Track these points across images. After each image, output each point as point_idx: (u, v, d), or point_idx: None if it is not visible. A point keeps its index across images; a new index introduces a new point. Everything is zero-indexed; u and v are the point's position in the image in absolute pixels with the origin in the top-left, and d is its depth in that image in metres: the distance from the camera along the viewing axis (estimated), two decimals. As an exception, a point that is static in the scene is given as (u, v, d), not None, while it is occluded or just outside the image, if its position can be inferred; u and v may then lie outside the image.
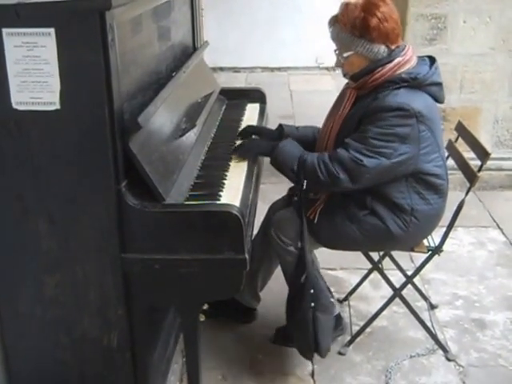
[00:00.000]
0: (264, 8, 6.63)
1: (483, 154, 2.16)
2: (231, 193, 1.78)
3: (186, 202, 1.70)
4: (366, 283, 2.65)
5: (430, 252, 2.18)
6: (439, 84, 2.01)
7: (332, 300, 2.13)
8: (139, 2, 1.68)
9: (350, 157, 1.91)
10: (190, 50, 2.53)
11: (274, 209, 2.33)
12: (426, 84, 1.96)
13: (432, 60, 2.05)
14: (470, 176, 2.13)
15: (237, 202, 1.71)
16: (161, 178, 1.63)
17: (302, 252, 1.99)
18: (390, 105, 1.90)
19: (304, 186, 2.00)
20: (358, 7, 1.94)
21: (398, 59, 1.96)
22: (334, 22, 2.00)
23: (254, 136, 2.29)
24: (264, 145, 2.12)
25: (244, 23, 6.62)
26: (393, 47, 1.97)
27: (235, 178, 1.92)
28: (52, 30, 1.40)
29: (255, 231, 2.16)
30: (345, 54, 1.99)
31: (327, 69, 6.80)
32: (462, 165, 2.23)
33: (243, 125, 2.41)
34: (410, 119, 1.89)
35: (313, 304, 1.97)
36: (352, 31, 1.94)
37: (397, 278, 2.42)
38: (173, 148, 1.81)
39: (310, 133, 2.30)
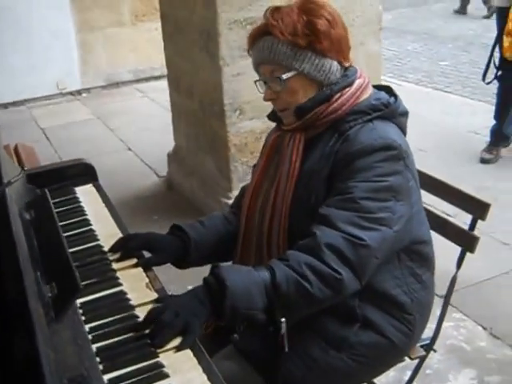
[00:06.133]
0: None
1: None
2: None
3: None
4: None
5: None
6: (407, 114, 1.40)
7: None
8: None
9: (343, 236, 1.18)
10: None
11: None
12: (398, 114, 1.35)
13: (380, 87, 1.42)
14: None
15: None
16: None
17: None
18: (371, 144, 1.24)
19: (283, 322, 1.18)
20: (294, 10, 1.30)
21: (358, 81, 1.33)
22: (264, 32, 1.29)
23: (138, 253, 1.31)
24: (201, 301, 1.12)
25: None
26: (347, 65, 1.34)
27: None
28: None
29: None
30: (284, 76, 1.28)
31: (72, 94, 5.66)
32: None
33: (99, 233, 1.39)
34: (398, 163, 1.27)
35: None
36: (294, 41, 1.26)
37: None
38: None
39: (220, 224, 1.47)
